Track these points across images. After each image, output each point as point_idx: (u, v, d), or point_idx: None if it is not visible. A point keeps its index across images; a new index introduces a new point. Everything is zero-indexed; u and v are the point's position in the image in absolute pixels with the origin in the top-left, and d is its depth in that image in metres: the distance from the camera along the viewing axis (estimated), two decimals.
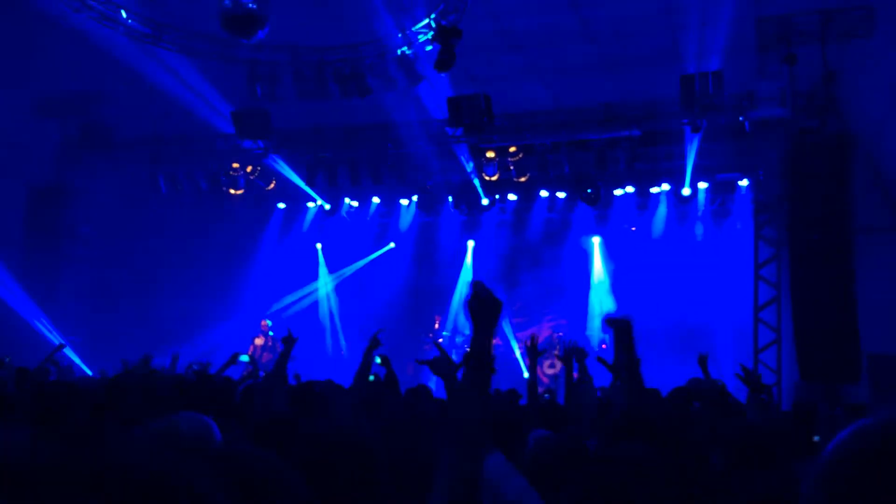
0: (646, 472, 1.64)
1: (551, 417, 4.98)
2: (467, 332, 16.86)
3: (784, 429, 4.49)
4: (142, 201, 15.73)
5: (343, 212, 17.32)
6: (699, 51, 11.75)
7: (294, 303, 17.14)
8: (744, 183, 14.74)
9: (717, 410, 5.04)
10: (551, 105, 13.63)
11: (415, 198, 16.69)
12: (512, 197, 16.27)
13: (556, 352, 14.35)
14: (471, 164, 14.63)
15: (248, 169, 15.49)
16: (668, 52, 12.05)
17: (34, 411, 3.64)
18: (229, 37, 10.80)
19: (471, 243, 17.44)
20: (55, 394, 4.10)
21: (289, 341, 5.59)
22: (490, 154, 14.18)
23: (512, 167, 14.26)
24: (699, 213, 15.61)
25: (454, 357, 15.08)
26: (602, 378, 6.31)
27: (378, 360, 5.91)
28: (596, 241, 16.38)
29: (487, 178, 14.55)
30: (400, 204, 17.15)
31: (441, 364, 3.81)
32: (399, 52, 12.46)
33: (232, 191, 15.61)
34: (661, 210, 15.74)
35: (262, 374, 8.42)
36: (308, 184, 15.61)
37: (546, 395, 9.48)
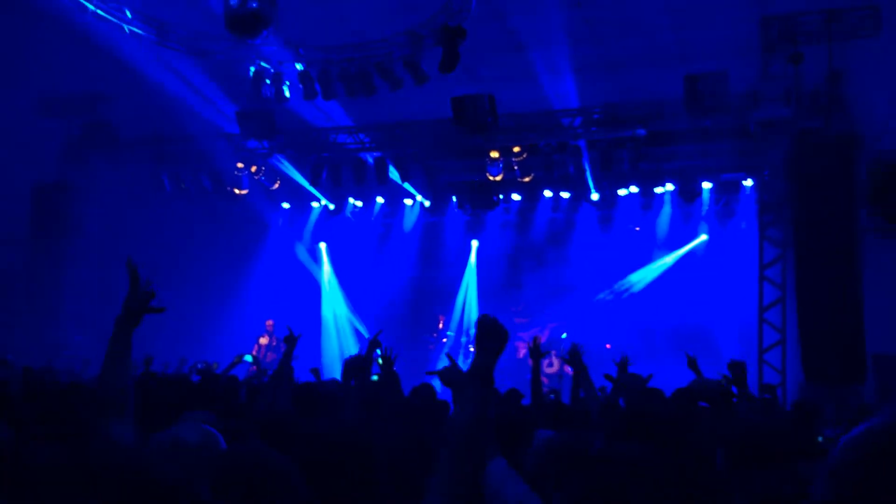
0: (646, 472, 1.64)
1: (557, 418, 4.97)
2: (472, 332, 16.89)
3: (787, 429, 4.47)
4: (146, 201, 15.76)
5: (347, 212, 17.34)
6: (703, 50, 11.73)
7: (298, 303, 17.14)
8: (748, 183, 14.72)
9: (721, 411, 5.02)
10: (555, 105, 13.62)
11: (419, 198, 16.70)
12: (516, 197, 16.27)
13: (554, 351, 14.36)
14: (475, 165, 14.64)
15: (253, 169, 15.51)
16: (672, 51, 12.04)
17: (38, 411, 3.65)
18: (234, 36, 10.81)
19: (475, 243, 17.45)
20: (60, 393, 4.11)
21: (291, 340, 5.59)
22: (494, 154, 14.18)
23: (516, 167, 14.25)
24: (703, 213, 15.61)
25: (461, 359, 15.12)
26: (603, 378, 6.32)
27: (379, 361, 5.91)
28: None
29: (491, 178, 14.56)
30: (404, 204, 17.16)
31: (451, 375, 3.81)
32: (404, 51, 12.46)
33: (236, 190, 15.63)
34: (666, 210, 15.73)
35: (270, 373, 8.44)
36: (312, 184, 15.63)
37: (551, 396, 9.48)
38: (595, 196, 15.18)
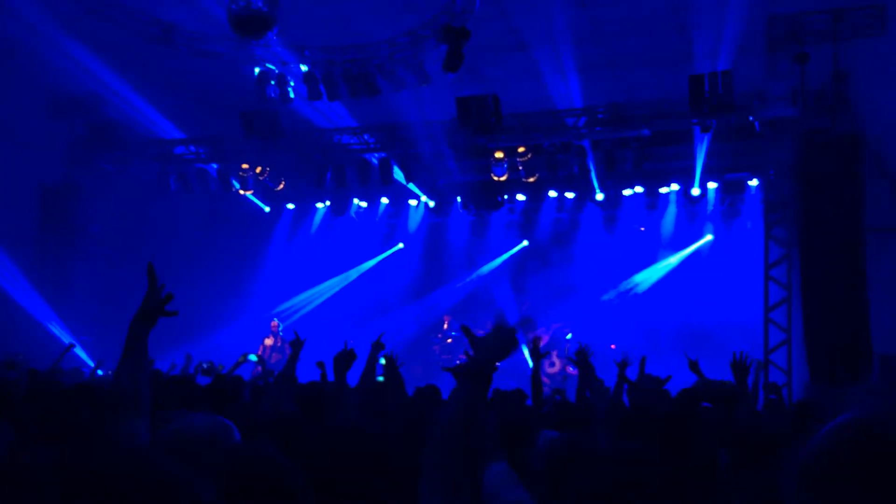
0: (649, 472, 1.64)
1: (562, 418, 4.97)
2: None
3: (791, 428, 4.46)
4: (151, 201, 15.79)
5: (352, 212, 17.35)
6: (708, 50, 11.71)
7: (303, 303, 17.17)
8: (753, 183, 14.68)
9: (725, 411, 5.01)
10: (560, 105, 13.61)
11: (423, 198, 16.70)
12: (521, 197, 16.26)
13: (555, 351, 14.34)
14: (480, 165, 14.64)
15: (258, 170, 15.53)
16: (677, 51, 12.02)
17: (44, 412, 3.66)
18: (238, 38, 10.84)
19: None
20: (66, 394, 4.12)
21: (297, 344, 5.60)
22: (499, 154, 14.17)
23: (521, 167, 14.24)
24: (708, 213, 15.58)
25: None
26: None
27: (383, 361, 5.91)
28: None
29: (496, 178, 14.55)
30: (408, 204, 17.16)
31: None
32: (408, 52, 12.47)
33: (241, 191, 15.66)
34: (671, 210, 15.70)
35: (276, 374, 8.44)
36: (317, 184, 15.63)
37: (557, 396, 9.46)
38: (600, 196, 15.16)
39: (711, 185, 14.82)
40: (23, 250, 14.42)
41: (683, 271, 15.79)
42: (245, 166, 15.40)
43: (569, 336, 15.87)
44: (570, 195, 15.82)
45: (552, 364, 14.93)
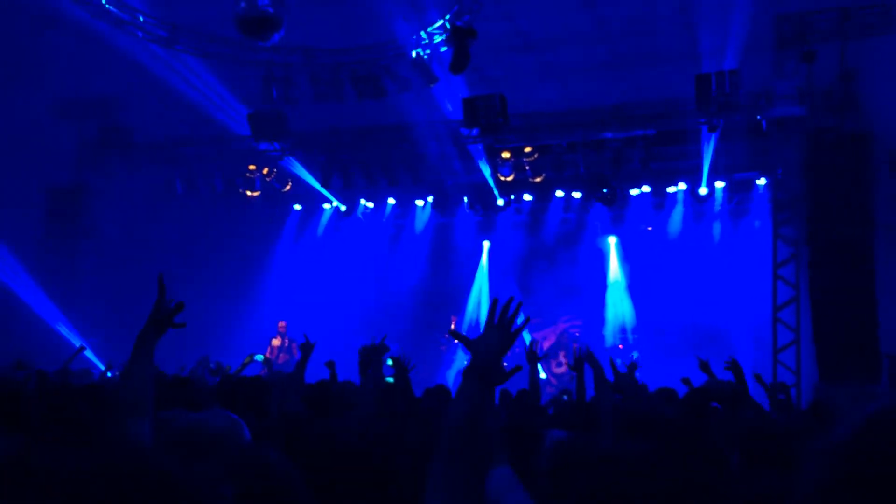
0: (650, 472, 1.63)
1: (567, 419, 4.96)
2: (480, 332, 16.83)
3: (802, 429, 4.44)
4: (160, 203, 15.84)
5: (358, 213, 17.36)
6: (715, 49, 11.68)
7: (310, 304, 17.17)
8: (761, 182, 14.63)
9: (736, 411, 4.99)
10: (566, 105, 13.59)
11: (430, 199, 16.70)
12: (527, 197, 16.24)
13: (563, 352, 14.32)
14: (486, 165, 14.62)
15: (265, 171, 15.56)
16: (683, 50, 11.99)
17: (53, 414, 3.67)
18: (245, 39, 10.86)
19: (486, 244, 17.43)
20: (73, 395, 4.13)
21: (307, 348, 5.58)
22: (505, 154, 14.16)
23: (527, 167, 14.23)
24: (716, 212, 15.53)
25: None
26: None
27: (390, 362, 5.91)
28: (612, 240, 16.33)
29: (503, 178, 14.54)
30: (415, 205, 17.16)
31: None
32: (414, 53, 12.47)
33: (248, 193, 15.68)
34: (678, 209, 15.66)
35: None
36: (324, 185, 15.66)
37: (564, 397, 9.45)
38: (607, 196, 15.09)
39: (719, 185, 14.77)
40: (31, 252, 14.48)
41: (691, 270, 15.75)
42: (252, 168, 15.44)
43: (576, 336, 15.85)
44: (576, 195, 15.80)
45: (560, 364, 14.92)
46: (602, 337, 15.65)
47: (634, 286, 16.09)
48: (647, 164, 13.60)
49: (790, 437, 3.22)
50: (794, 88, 11.81)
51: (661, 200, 15.62)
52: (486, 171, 14.75)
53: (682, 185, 15.08)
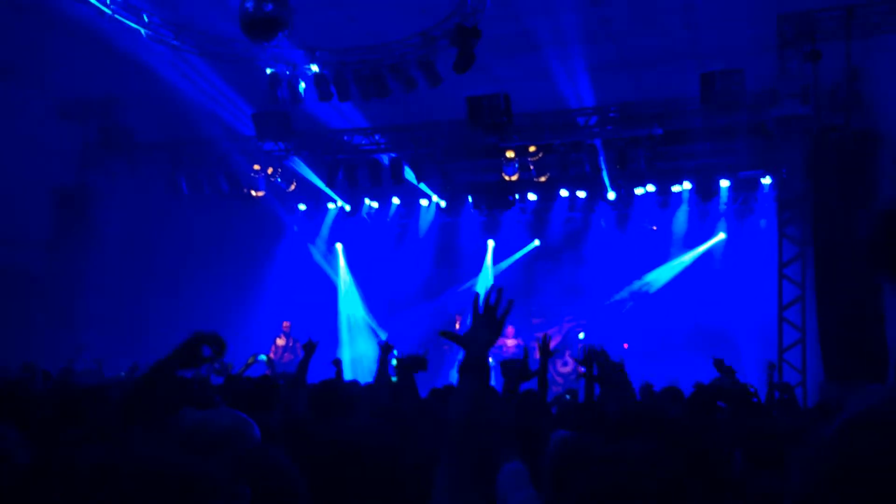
0: (647, 471, 1.63)
1: (572, 418, 4.96)
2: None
3: (808, 429, 4.43)
4: (164, 203, 15.87)
5: (363, 213, 17.38)
6: (720, 48, 11.66)
7: (315, 304, 17.20)
8: (766, 181, 14.60)
9: (742, 411, 4.99)
10: (571, 104, 13.58)
11: (435, 198, 16.71)
12: (532, 197, 16.23)
13: (569, 351, 14.28)
14: (490, 165, 14.63)
15: (269, 171, 15.58)
16: (688, 49, 11.98)
17: (59, 411, 3.68)
18: (250, 39, 10.86)
19: (490, 243, 17.43)
20: (79, 393, 4.13)
21: (309, 347, 5.58)
22: (510, 154, 14.15)
23: (532, 167, 14.22)
24: (721, 212, 15.51)
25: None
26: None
27: (394, 363, 5.91)
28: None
29: (507, 177, 14.53)
30: (420, 204, 17.17)
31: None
32: (419, 52, 12.47)
33: (253, 192, 15.71)
34: (683, 209, 15.64)
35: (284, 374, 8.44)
36: (328, 185, 15.68)
37: (567, 396, 9.44)
38: (612, 195, 15.12)
39: (724, 184, 14.75)
40: (37, 253, 14.52)
41: (696, 270, 15.73)
42: (257, 167, 15.47)
43: (581, 335, 15.84)
44: (581, 194, 15.79)
45: (565, 363, 14.91)
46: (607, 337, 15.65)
47: (638, 285, 16.10)
48: (652, 163, 13.58)
49: (794, 437, 3.22)
50: (798, 87, 11.76)
51: (665, 199, 15.61)
52: (491, 170, 14.75)
53: (687, 185, 15.07)
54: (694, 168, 14.47)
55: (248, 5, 9.88)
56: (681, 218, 15.75)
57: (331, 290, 18.00)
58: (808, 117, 11.75)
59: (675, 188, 15.25)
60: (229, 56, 12.59)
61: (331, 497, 1.89)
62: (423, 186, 15.79)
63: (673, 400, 5.85)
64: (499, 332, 2.15)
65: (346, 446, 2.12)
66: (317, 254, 17.84)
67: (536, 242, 17.15)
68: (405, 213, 17.60)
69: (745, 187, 14.99)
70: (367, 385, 6.18)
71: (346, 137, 15.12)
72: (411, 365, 5.33)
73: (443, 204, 16.68)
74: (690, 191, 15.10)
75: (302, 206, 17.49)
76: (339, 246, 17.97)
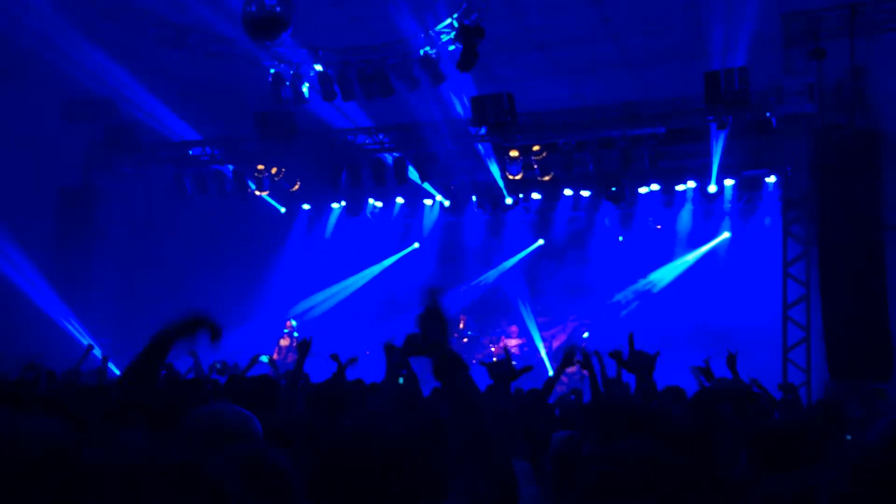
0: (651, 470, 1.63)
1: (574, 418, 4.95)
2: (490, 332, 16.93)
3: (812, 428, 4.42)
4: (168, 203, 15.89)
5: (367, 212, 17.37)
6: (724, 46, 11.63)
7: (319, 303, 17.22)
8: (771, 179, 14.55)
9: (746, 411, 4.97)
10: (575, 103, 13.58)
11: (438, 197, 16.70)
12: (536, 196, 16.21)
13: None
14: (494, 164, 14.61)
15: (273, 170, 15.58)
16: (692, 48, 11.96)
17: (64, 410, 3.68)
18: (253, 39, 10.88)
19: (494, 243, 17.38)
20: (85, 393, 4.15)
21: (303, 346, 5.58)
22: (514, 153, 14.13)
23: (536, 166, 14.20)
24: (726, 210, 15.47)
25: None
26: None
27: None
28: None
29: (511, 177, 14.51)
30: (424, 204, 17.16)
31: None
32: (422, 52, 12.47)
33: (257, 192, 15.72)
34: (687, 207, 15.62)
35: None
36: (332, 185, 15.67)
37: (572, 397, 9.42)
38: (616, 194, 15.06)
39: (728, 182, 14.71)
40: (42, 253, 14.55)
41: (701, 269, 15.70)
42: (261, 167, 15.47)
43: (585, 335, 15.82)
44: (585, 193, 15.76)
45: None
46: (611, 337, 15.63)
47: (642, 284, 16.09)
48: (656, 162, 13.56)
49: (798, 437, 3.21)
50: (803, 85, 11.74)
51: (670, 198, 15.58)
52: (495, 169, 14.73)
53: (691, 183, 15.04)
54: (698, 167, 14.43)
55: (252, 5, 9.89)
56: (685, 217, 15.73)
57: (335, 289, 18.00)
58: (813, 115, 11.73)
59: (680, 187, 15.22)
60: (233, 56, 12.61)
61: (331, 497, 1.89)
62: (426, 186, 15.78)
63: (675, 399, 5.83)
64: (446, 321, 2.15)
65: (346, 446, 2.12)
66: (320, 254, 17.84)
67: (541, 242, 17.13)
68: (409, 213, 17.59)
69: (749, 186, 14.94)
70: (372, 384, 6.19)
71: (349, 137, 15.12)
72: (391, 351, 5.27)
73: (446, 203, 16.66)
74: (694, 189, 15.07)
75: (306, 206, 17.49)
76: (342, 246, 17.97)
